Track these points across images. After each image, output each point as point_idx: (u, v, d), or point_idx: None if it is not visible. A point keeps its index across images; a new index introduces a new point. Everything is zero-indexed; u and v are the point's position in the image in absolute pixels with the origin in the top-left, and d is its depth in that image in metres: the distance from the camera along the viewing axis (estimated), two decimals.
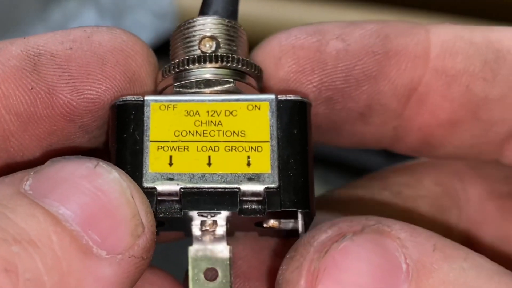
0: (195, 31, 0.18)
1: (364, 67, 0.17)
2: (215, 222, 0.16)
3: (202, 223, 0.16)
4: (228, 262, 0.16)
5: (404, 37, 0.17)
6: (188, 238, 0.17)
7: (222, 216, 0.15)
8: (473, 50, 0.17)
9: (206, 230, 0.16)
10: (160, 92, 0.17)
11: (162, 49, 0.64)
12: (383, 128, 0.18)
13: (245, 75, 0.17)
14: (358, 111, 0.18)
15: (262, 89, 0.17)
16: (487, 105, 0.17)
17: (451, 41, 0.17)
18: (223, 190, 0.15)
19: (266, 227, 0.16)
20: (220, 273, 0.16)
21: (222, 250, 0.16)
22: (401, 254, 0.13)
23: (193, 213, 0.15)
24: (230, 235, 0.17)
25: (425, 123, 0.18)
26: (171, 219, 0.15)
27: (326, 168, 0.50)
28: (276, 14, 0.64)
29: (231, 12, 0.19)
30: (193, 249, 0.16)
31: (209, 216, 0.15)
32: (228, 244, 0.16)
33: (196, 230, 0.16)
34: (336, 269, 0.13)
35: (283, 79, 0.17)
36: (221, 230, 0.16)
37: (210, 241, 0.16)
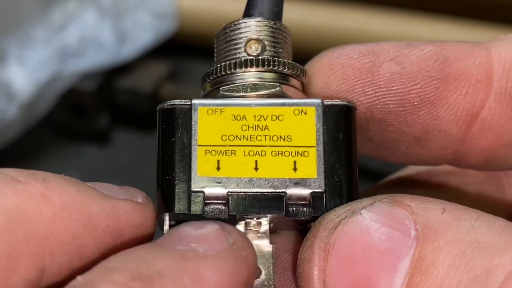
0: (240, 33, 0.17)
1: (420, 92, 0.16)
2: (259, 223, 0.16)
3: (247, 223, 0.16)
4: (271, 260, 0.16)
5: (465, 60, 0.16)
6: None
7: (266, 217, 0.16)
8: None
9: (250, 229, 0.16)
10: (205, 95, 0.17)
11: (162, 50, 0.64)
12: (442, 151, 0.18)
13: (290, 78, 0.17)
14: (413, 135, 0.17)
15: (305, 90, 0.17)
16: None
17: None
18: (269, 194, 0.15)
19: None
20: (263, 271, 0.16)
21: (265, 248, 0.16)
22: (411, 221, 0.13)
23: (239, 216, 0.16)
24: (273, 232, 0.17)
25: (488, 145, 0.17)
26: (217, 220, 0.16)
27: None
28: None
29: (276, 13, 0.18)
30: None
31: (254, 218, 0.16)
32: (271, 242, 0.16)
33: (240, 229, 0.16)
34: (345, 243, 0.13)
35: (331, 97, 0.17)
36: (264, 227, 0.16)
37: (254, 239, 0.16)
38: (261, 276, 0.16)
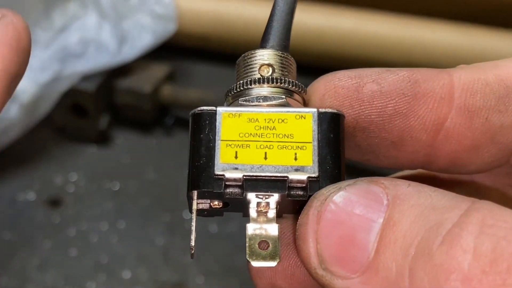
0: (256, 59, 0.22)
1: (395, 106, 0.21)
2: (267, 204, 0.20)
3: (258, 204, 0.20)
4: (277, 235, 0.20)
5: (431, 82, 0.21)
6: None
7: (273, 199, 0.20)
8: (488, 89, 0.21)
9: (260, 211, 0.20)
10: (228, 105, 0.22)
11: (162, 51, 0.65)
12: (415, 154, 0.22)
13: (294, 93, 0.22)
14: (391, 140, 0.21)
15: (306, 103, 0.22)
16: (502, 131, 0.21)
17: (470, 83, 0.21)
18: (275, 177, 0.20)
19: None
20: (270, 244, 0.20)
21: (272, 227, 0.20)
22: (384, 194, 0.17)
23: (252, 196, 0.20)
24: (279, 217, 0.21)
25: (452, 149, 0.21)
26: (234, 201, 0.20)
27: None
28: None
29: (284, 46, 0.23)
30: (250, 227, 0.20)
31: (263, 198, 0.20)
32: (277, 223, 0.20)
33: (252, 212, 0.20)
34: (332, 209, 0.18)
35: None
36: (271, 213, 0.20)
37: (263, 222, 0.20)
38: (268, 248, 0.20)
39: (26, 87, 0.54)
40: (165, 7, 0.61)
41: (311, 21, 0.64)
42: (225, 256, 0.52)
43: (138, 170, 0.59)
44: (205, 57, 0.68)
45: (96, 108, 0.58)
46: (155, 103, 0.60)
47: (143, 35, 0.60)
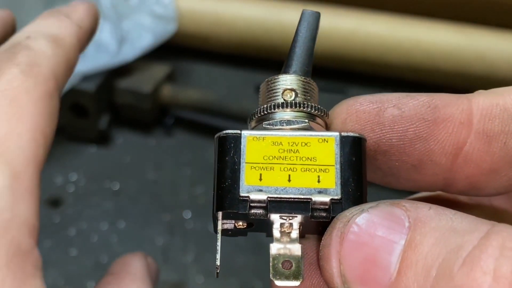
0: (279, 84, 0.23)
1: (416, 130, 0.21)
2: (291, 225, 0.21)
3: (281, 225, 0.21)
4: (300, 255, 0.21)
5: (451, 107, 0.21)
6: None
7: (296, 220, 0.20)
8: (507, 115, 0.21)
9: (284, 231, 0.21)
10: (252, 129, 0.23)
11: (162, 51, 0.65)
12: (435, 177, 0.22)
13: (316, 117, 0.22)
14: (411, 163, 0.22)
15: (328, 127, 0.23)
16: None
17: (489, 108, 0.21)
18: (299, 199, 0.20)
19: None
20: (294, 264, 0.21)
21: (296, 247, 0.21)
22: (406, 216, 0.18)
23: (275, 217, 0.20)
24: (301, 237, 0.21)
25: (470, 173, 0.22)
26: (258, 221, 0.21)
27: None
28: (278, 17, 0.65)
29: (306, 71, 0.23)
30: (274, 247, 0.21)
31: (287, 219, 0.20)
32: (299, 243, 0.21)
33: (276, 232, 0.21)
34: (355, 231, 0.18)
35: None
36: (295, 233, 0.21)
37: (287, 242, 0.21)
38: (292, 268, 0.20)
39: None
40: (165, 7, 0.61)
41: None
42: (225, 256, 0.52)
43: (138, 170, 0.59)
44: (205, 57, 0.68)
45: (96, 108, 0.58)
46: (155, 103, 0.60)
47: (143, 35, 0.60)
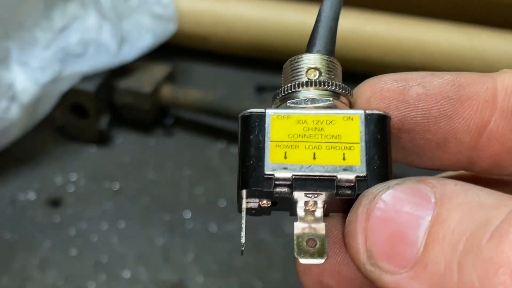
0: (303, 63, 0.23)
1: (440, 108, 0.21)
2: (315, 203, 0.21)
3: (306, 203, 0.21)
4: (324, 233, 0.21)
5: (475, 85, 0.21)
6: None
7: (321, 199, 0.20)
8: None
9: (308, 210, 0.21)
10: (277, 107, 0.23)
11: (162, 51, 0.65)
12: (459, 156, 0.22)
13: (340, 96, 0.22)
14: (436, 141, 0.22)
15: (352, 105, 0.23)
16: None
17: None
18: (324, 177, 0.20)
19: None
20: (318, 242, 0.20)
21: (320, 226, 0.21)
22: (432, 192, 0.18)
23: (300, 195, 0.20)
24: (325, 216, 0.21)
25: (494, 151, 0.22)
26: (283, 200, 0.20)
27: None
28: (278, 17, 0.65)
29: (329, 51, 0.23)
30: (298, 225, 0.21)
31: (312, 197, 0.20)
32: (324, 221, 0.21)
33: (300, 211, 0.21)
34: (382, 207, 0.18)
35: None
36: (319, 212, 0.21)
37: (311, 221, 0.21)
38: (316, 246, 0.20)
39: (26, 87, 0.55)
40: (165, 7, 0.61)
41: (310, 22, 0.64)
42: (225, 256, 0.52)
43: (138, 170, 0.59)
44: (205, 57, 0.68)
45: (96, 108, 0.58)
46: (155, 103, 0.60)
47: (143, 36, 0.60)
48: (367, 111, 0.21)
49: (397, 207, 0.18)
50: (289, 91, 0.22)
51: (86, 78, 0.57)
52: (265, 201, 0.21)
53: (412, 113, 0.22)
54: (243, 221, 0.21)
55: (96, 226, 0.54)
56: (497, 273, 0.15)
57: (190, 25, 0.65)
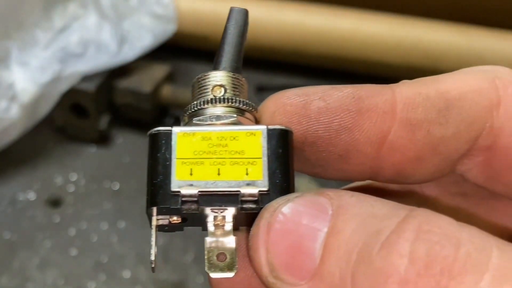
0: (209, 81, 0.23)
1: (341, 121, 0.22)
2: (224, 218, 0.21)
3: (215, 218, 0.21)
4: (234, 247, 0.21)
5: (374, 97, 0.22)
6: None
7: (229, 213, 0.21)
8: (429, 103, 0.22)
9: (218, 224, 0.21)
10: (184, 125, 0.23)
11: (161, 51, 0.65)
12: (362, 166, 0.23)
13: (245, 112, 0.22)
14: (338, 153, 0.22)
15: (257, 121, 0.23)
16: (444, 142, 0.22)
17: (412, 97, 0.22)
18: (228, 192, 0.21)
19: None
20: (228, 256, 0.21)
21: (230, 240, 0.21)
22: (329, 204, 0.18)
23: (207, 210, 0.21)
24: (236, 229, 0.22)
25: (396, 161, 0.22)
26: (192, 216, 0.21)
27: None
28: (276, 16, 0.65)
29: (235, 68, 0.24)
30: (208, 240, 0.21)
31: (219, 212, 0.21)
32: (234, 235, 0.21)
33: (210, 226, 0.21)
34: (281, 220, 0.19)
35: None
36: (228, 226, 0.21)
37: (221, 235, 0.21)
38: (226, 260, 0.21)
39: (26, 87, 0.55)
40: (165, 7, 0.61)
41: (310, 22, 0.64)
42: None
43: (138, 170, 0.59)
44: (205, 57, 0.68)
45: (96, 108, 0.58)
46: (155, 103, 0.60)
47: (143, 35, 0.60)
48: (269, 127, 0.21)
49: (296, 220, 0.18)
50: (196, 109, 0.23)
51: (86, 78, 0.57)
52: (175, 218, 0.21)
53: (314, 127, 0.22)
54: (153, 239, 0.21)
55: (96, 226, 0.54)
56: (386, 282, 0.16)
57: (190, 25, 0.65)
